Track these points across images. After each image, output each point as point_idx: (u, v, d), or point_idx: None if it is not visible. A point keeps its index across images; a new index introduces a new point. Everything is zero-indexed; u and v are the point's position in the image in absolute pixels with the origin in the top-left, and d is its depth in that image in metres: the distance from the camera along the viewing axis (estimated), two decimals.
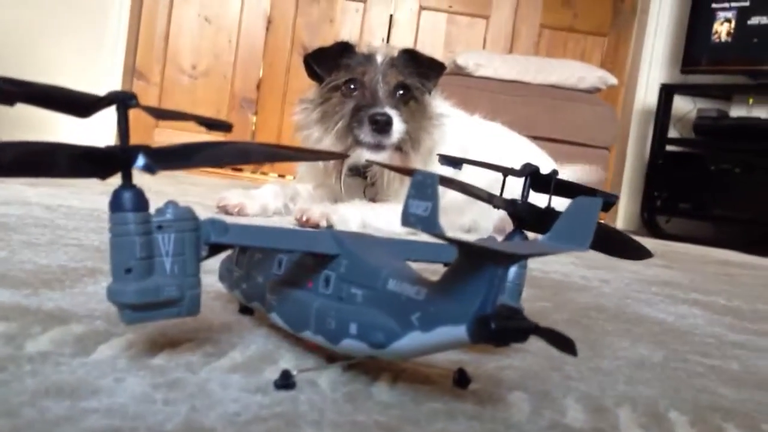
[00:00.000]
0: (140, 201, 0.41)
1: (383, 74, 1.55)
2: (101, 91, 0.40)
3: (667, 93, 3.19)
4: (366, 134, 1.48)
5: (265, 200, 1.52)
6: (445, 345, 0.41)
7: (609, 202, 0.56)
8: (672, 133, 3.24)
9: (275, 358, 0.48)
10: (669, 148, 3.17)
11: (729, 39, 3.04)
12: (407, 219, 0.37)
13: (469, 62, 2.84)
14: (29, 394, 0.36)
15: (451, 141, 1.71)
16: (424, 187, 0.37)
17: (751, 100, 2.98)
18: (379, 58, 1.57)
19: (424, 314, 0.40)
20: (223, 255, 0.59)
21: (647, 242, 1.81)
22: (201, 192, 2.04)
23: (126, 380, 0.40)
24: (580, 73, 2.95)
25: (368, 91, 1.52)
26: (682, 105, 3.26)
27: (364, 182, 1.63)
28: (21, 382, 0.38)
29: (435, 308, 0.40)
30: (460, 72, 2.85)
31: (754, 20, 2.96)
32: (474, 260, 0.39)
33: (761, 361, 0.72)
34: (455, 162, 0.66)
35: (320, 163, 1.65)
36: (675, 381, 0.59)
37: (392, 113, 1.49)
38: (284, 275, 0.51)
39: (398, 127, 1.50)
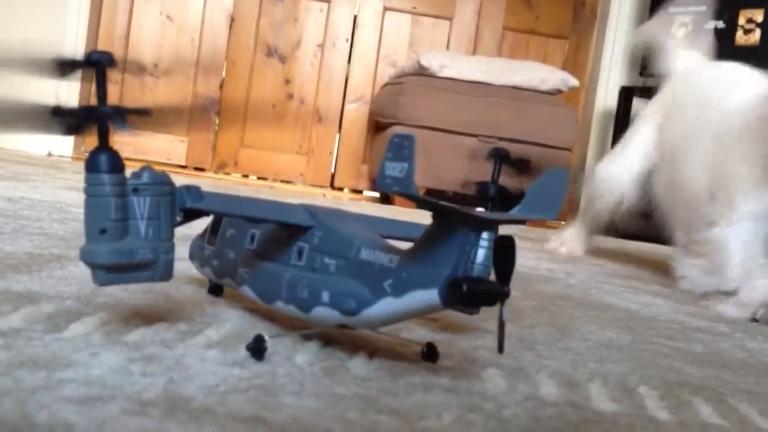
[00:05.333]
0: (116, 163, 0.40)
1: None
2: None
3: (626, 95, 3.24)
4: None
5: None
6: (417, 310, 0.41)
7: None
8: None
9: (250, 336, 0.48)
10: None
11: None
12: (383, 181, 0.38)
13: (432, 63, 2.85)
14: (3, 365, 0.35)
15: None
16: (401, 149, 0.38)
17: None
18: None
19: (396, 280, 0.41)
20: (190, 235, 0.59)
21: (608, 241, 1.85)
22: None
23: (101, 354, 0.40)
24: (542, 74, 2.98)
25: None
26: (641, 107, 3.32)
27: None
28: None
29: (407, 274, 0.40)
30: (423, 72, 2.86)
31: (712, 24, 3.03)
32: (447, 224, 0.40)
33: (723, 344, 0.74)
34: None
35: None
36: (642, 360, 0.60)
37: None
38: (257, 249, 0.51)
39: None
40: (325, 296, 0.44)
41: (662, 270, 1.49)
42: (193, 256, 0.59)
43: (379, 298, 0.42)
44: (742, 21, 2.98)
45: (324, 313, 0.44)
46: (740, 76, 1.14)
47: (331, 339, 0.50)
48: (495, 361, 0.52)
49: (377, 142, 3.09)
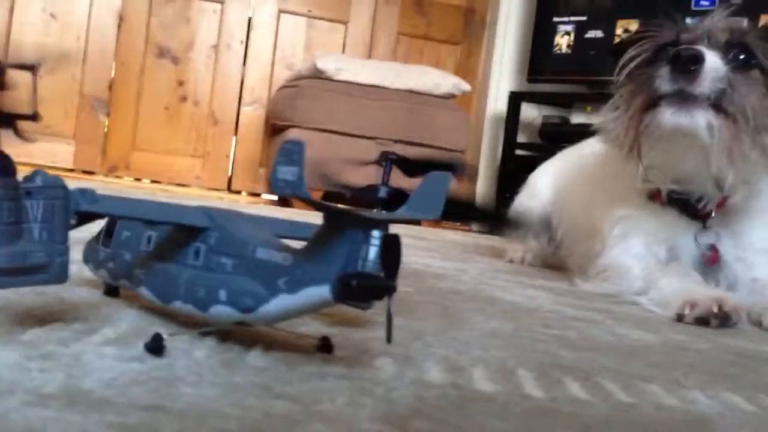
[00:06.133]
0: (8, 166, 0.41)
1: (709, 31, 1.04)
2: None
3: (515, 100, 3.38)
4: (664, 80, 1.00)
5: None
6: (310, 305, 0.44)
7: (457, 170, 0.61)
8: (521, 138, 3.43)
9: (148, 333, 0.49)
10: (518, 152, 3.35)
11: (569, 51, 3.27)
12: (276, 184, 0.41)
13: (329, 66, 2.88)
14: None
15: None
16: (291, 154, 0.40)
17: (589, 109, 3.22)
18: (709, 22, 1.09)
19: (290, 278, 0.44)
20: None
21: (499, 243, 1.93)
22: None
23: None
24: (436, 79, 3.07)
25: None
26: (529, 112, 3.46)
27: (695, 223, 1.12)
28: None
29: (301, 271, 0.43)
30: (320, 75, 2.88)
31: (591, 34, 3.20)
32: (337, 225, 0.43)
33: (595, 330, 0.80)
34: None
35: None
36: (522, 347, 0.65)
37: (707, 52, 0.99)
38: (153, 250, 0.52)
39: (714, 65, 0.98)
40: (223, 295, 0.46)
41: (552, 268, 1.58)
42: (87, 259, 0.59)
43: (274, 295, 0.44)
44: (619, 30, 3.17)
45: (222, 311, 0.46)
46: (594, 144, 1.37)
47: (229, 334, 0.51)
48: (386, 351, 0.55)
49: (274, 145, 3.09)
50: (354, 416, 0.39)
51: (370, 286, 0.42)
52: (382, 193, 0.66)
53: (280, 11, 3.37)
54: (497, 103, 3.54)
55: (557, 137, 3.25)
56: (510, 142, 3.33)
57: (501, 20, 3.56)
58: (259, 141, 3.31)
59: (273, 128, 3.15)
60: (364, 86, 2.91)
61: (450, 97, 3.08)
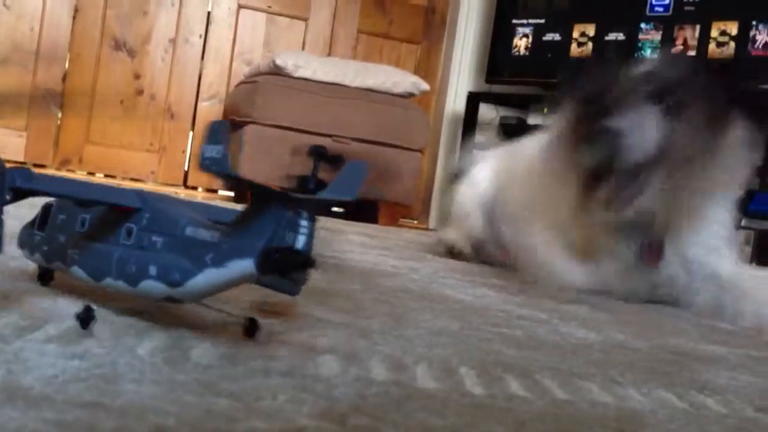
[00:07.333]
0: None
1: (643, 77, 1.13)
2: None
3: (473, 100, 3.41)
4: (607, 181, 1.12)
5: None
6: (236, 278, 0.47)
7: None
8: (479, 138, 3.46)
9: (90, 331, 0.49)
10: (476, 152, 3.39)
11: (527, 53, 3.32)
12: (203, 163, 0.43)
13: (288, 63, 2.87)
14: None
15: None
16: (216, 133, 0.43)
17: (545, 110, 3.27)
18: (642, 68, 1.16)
19: (217, 253, 0.46)
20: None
21: None
22: None
23: None
24: (395, 78, 3.08)
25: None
26: (487, 112, 3.49)
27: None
28: None
29: (227, 246, 0.47)
30: (278, 72, 2.87)
31: (548, 37, 3.25)
32: (263, 202, 0.45)
33: (541, 329, 0.82)
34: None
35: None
36: (467, 345, 0.67)
37: (637, 133, 1.08)
38: (87, 231, 0.53)
39: (643, 145, 1.08)
40: (152, 270, 0.48)
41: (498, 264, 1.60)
42: (23, 245, 0.60)
43: (201, 269, 0.47)
44: (576, 34, 3.22)
45: (151, 286, 0.49)
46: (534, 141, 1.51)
47: (174, 331, 0.51)
48: (332, 349, 0.56)
49: (232, 141, 3.07)
50: (294, 412, 0.39)
51: (293, 259, 0.44)
52: (313, 184, 0.69)
53: (240, 6, 3.35)
54: (456, 102, 3.57)
55: (514, 137, 3.30)
56: (468, 142, 3.37)
57: (461, 21, 3.59)
58: None
59: (231, 124, 3.13)
60: (323, 84, 2.91)
61: (409, 96, 3.10)
